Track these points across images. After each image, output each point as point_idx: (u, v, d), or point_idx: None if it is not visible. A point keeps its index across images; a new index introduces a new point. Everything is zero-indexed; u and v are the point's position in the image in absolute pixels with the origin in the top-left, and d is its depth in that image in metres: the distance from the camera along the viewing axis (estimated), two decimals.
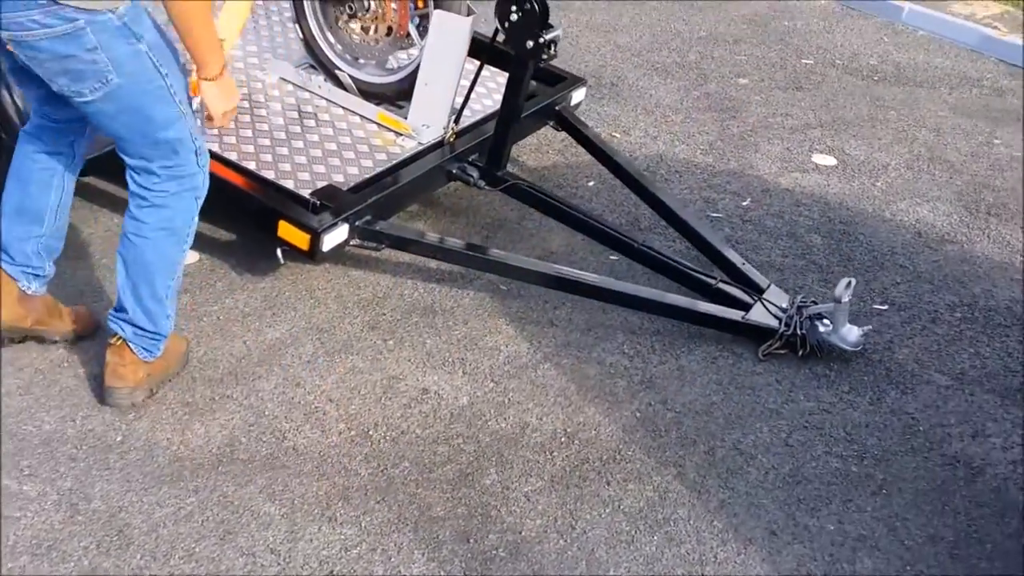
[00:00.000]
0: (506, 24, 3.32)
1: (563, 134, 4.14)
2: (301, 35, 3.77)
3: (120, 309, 2.67)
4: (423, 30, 3.53)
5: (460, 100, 3.53)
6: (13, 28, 2.22)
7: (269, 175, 3.23)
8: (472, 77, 3.50)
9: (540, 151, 4.35)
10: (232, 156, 3.28)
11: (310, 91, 3.75)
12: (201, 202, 2.65)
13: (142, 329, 2.67)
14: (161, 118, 2.45)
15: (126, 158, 2.52)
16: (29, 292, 2.78)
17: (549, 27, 3.33)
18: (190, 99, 2.58)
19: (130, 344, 2.68)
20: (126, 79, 2.33)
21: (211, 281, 3.28)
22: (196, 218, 2.66)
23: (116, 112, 2.40)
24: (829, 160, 4.56)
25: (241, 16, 3.27)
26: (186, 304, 3.16)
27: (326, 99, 3.73)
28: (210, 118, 2.60)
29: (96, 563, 2.33)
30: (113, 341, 2.70)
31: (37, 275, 2.78)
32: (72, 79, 2.31)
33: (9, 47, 2.28)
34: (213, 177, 3.03)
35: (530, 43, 3.30)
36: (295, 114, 3.60)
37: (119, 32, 2.27)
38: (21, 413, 2.69)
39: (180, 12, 2.33)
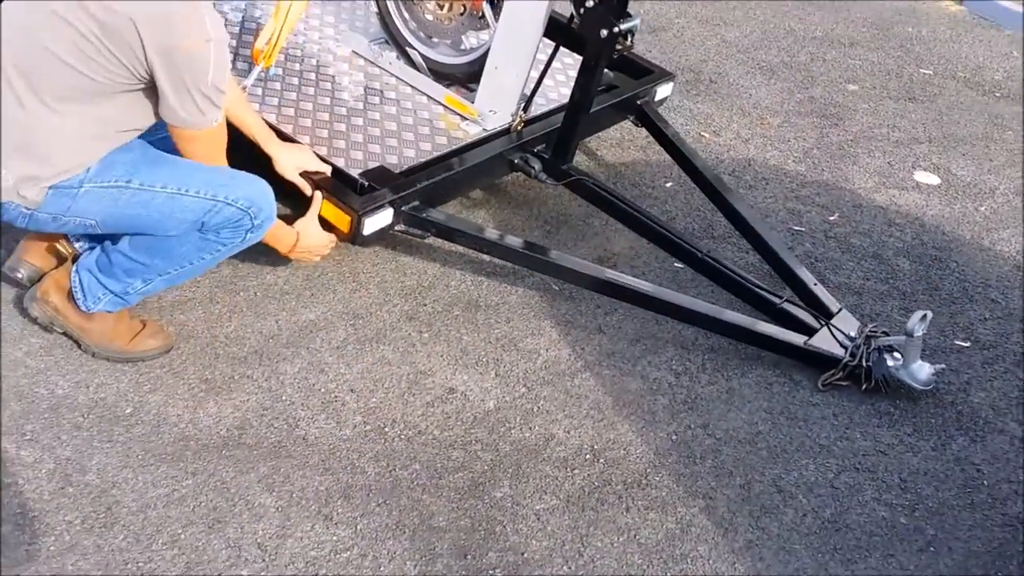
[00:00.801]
0: (581, 10, 3.14)
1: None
2: (376, 9, 3.66)
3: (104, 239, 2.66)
4: (498, 11, 3.38)
5: (531, 87, 3.38)
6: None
7: (321, 151, 3.13)
8: (546, 61, 3.33)
9: (622, 146, 4.16)
10: (288, 129, 3.19)
11: (380, 67, 3.64)
12: (255, 238, 2.66)
13: (102, 274, 2.64)
14: (179, 220, 2.50)
15: None
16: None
17: (627, 16, 3.14)
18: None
19: (81, 277, 2.65)
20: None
21: (255, 255, 3.19)
22: (237, 247, 2.66)
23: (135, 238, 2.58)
24: (932, 179, 4.25)
25: (292, 16, 3.13)
26: (226, 276, 3.10)
27: (396, 76, 3.61)
28: None
29: (77, 539, 2.27)
30: (70, 264, 2.72)
31: None
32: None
33: None
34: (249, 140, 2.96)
35: (604, 32, 3.11)
36: (361, 90, 3.50)
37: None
38: (37, 375, 2.66)
39: None
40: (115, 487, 2.40)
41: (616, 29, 3.11)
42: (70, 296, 2.68)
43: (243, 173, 2.57)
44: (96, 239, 2.71)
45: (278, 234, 2.77)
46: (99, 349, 2.73)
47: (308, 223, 2.92)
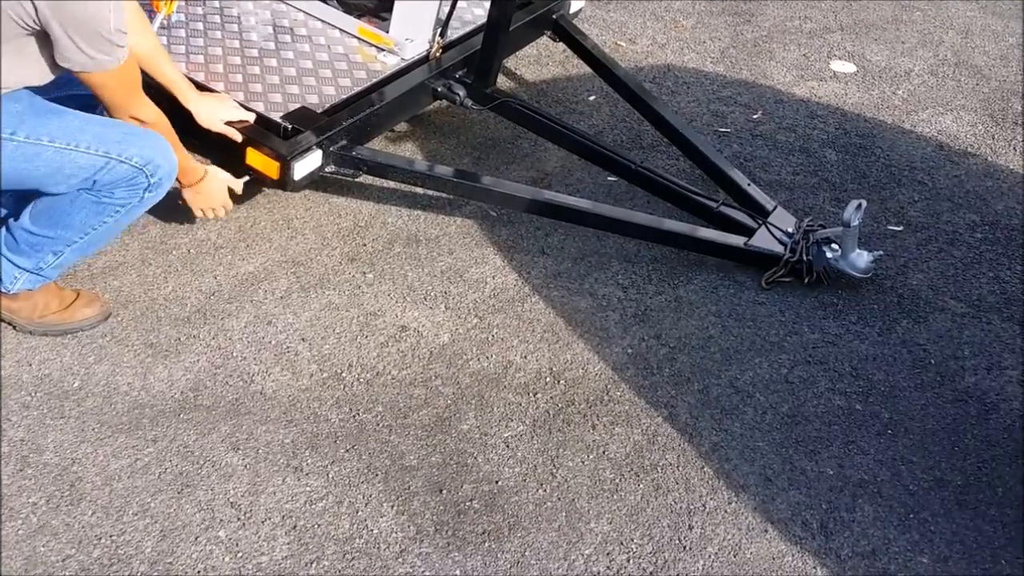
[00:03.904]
0: None
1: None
2: None
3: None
4: None
5: (446, 10, 3.29)
6: None
7: (238, 97, 3.02)
8: None
9: (540, 63, 4.12)
10: (199, 77, 3.08)
11: (286, 3, 3.52)
12: (154, 197, 2.52)
13: (11, 253, 2.54)
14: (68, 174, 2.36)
15: None
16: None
17: None
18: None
19: None
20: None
21: (183, 211, 3.10)
22: (135, 210, 2.51)
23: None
24: (848, 67, 4.28)
25: None
26: (155, 236, 3.01)
27: (303, 12, 3.50)
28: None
29: (45, 520, 2.21)
30: None
31: None
32: None
33: None
34: (160, 91, 2.86)
35: None
36: (270, 29, 3.38)
37: None
38: None
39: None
40: (75, 463, 2.34)
41: None
42: None
43: (140, 129, 2.43)
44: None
45: (185, 166, 2.63)
46: (34, 327, 2.64)
47: (219, 169, 2.84)
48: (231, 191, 2.87)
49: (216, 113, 2.83)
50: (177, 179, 2.60)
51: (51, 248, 2.52)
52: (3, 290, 2.57)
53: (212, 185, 2.79)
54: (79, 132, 2.33)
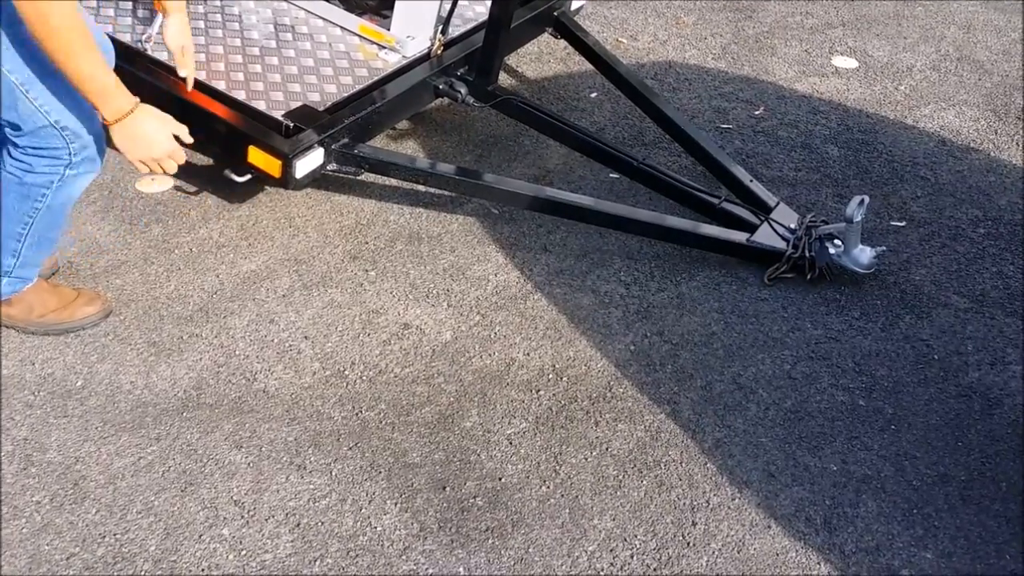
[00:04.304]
0: None
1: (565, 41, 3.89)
2: None
3: None
4: None
5: (448, 8, 3.29)
6: None
7: (239, 95, 3.03)
8: None
9: (541, 60, 4.11)
10: (200, 75, 3.08)
11: (287, 1, 3.52)
12: (73, 177, 2.39)
13: None
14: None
15: None
16: None
17: None
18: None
19: None
20: None
21: (184, 210, 3.12)
22: (61, 190, 2.40)
23: None
24: (850, 63, 4.28)
25: None
26: (157, 235, 3.01)
27: (304, 10, 3.50)
28: None
29: (49, 519, 2.21)
30: None
31: None
32: None
33: None
34: (180, 98, 2.85)
35: None
36: (271, 28, 3.38)
37: None
38: None
39: (45, 38, 2.04)
40: (79, 462, 2.34)
41: None
42: None
43: (88, 105, 2.23)
44: None
45: (102, 88, 2.17)
46: (35, 327, 2.64)
47: (155, 109, 2.32)
48: (179, 139, 2.37)
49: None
50: (102, 117, 2.24)
51: (7, 249, 2.48)
52: None
53: (145, 126, 2.27)
54: (34, 80, 2.20)
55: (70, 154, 2.35)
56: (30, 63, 2.20)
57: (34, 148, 2.33)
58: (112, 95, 2.20)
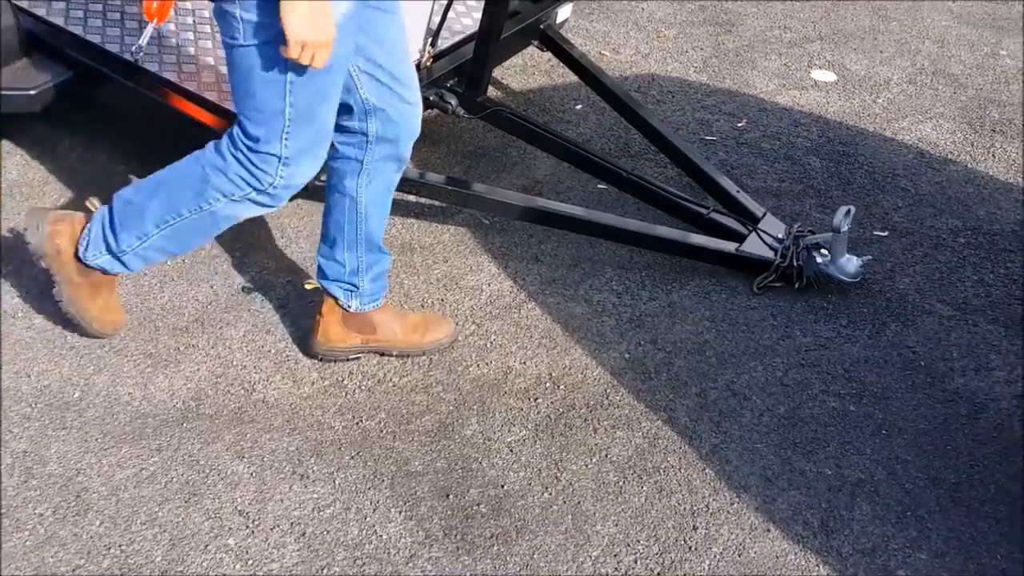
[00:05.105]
0: None
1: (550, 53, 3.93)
2: None
3: None
4: None
5: (437, 20, 3.32)
6: None
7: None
8: None
9: (526, 72, 4.15)
10: (192, 86, 3.08)
11: None
12: (254, 207, 2.37)
13: (107, 227, 2.45)
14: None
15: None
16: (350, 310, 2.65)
17: None
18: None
19: (92, 226, 2.47)
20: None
21: None
22: (232, 206, 2.35)
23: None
24: (829, 76, 4.35)
25: None
26: None
27: None
28: None
29: (52, 531, 2.20)
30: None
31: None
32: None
33: None
34: (155, 102, 2.82)
35: None
36: None
37: None
38: None
39: None
40: (80, 474, 2.33)
41: None
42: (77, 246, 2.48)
43: (329, 127, 2.31)
44: None
45: None
46: (71, 307, 2.55)
47: None
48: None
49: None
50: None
51: (138, 227, 2.40)
52: (83, 258, 2.47)
53: (325, 9, 2.05)
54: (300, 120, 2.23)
55: (269, 184, 2.30)
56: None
57: (245, 158, 2.27)
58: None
